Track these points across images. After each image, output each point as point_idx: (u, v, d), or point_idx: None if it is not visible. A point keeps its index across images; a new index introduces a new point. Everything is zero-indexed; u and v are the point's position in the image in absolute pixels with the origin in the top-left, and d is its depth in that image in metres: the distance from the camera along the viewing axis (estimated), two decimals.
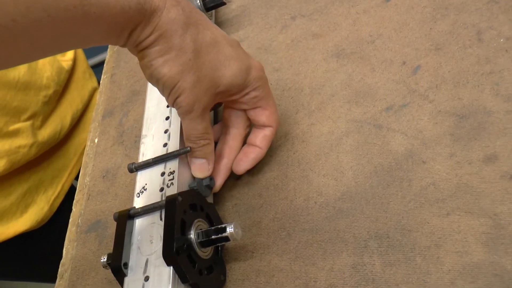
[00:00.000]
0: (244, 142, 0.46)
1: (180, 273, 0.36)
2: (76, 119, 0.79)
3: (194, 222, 0.40)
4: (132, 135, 0.58)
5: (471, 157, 0.39)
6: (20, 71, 0.69)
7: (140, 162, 0.44)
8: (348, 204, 0.41)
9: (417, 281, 0.35)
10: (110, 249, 0.50)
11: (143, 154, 0.45)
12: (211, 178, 0.44)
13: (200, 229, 0.40)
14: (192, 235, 0.39)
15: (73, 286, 0.50)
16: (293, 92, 0.51)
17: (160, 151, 0.44)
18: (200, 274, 0.38)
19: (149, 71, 0.38)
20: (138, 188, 0.43)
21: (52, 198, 0.77)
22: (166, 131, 0.45)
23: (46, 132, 0.73)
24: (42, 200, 0.76)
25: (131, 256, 0.39)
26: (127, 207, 0.52)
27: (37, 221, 0.74)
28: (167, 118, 0.46)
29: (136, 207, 0.42)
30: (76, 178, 0.81)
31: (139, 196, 0.43)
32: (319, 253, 0.40)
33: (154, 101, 0.48)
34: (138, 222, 0.41)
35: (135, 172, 0.45)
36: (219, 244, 0.41)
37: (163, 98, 0.47)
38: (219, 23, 0.61)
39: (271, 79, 0.53)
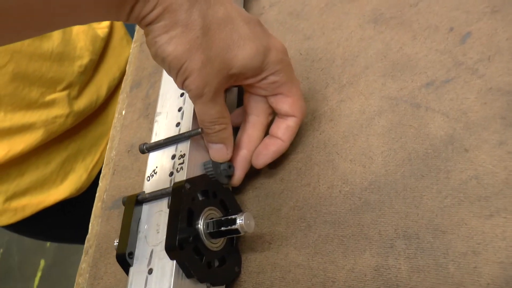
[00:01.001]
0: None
1: (184, 268, 0.34)
2: (113, 87, 0.78)
3: (204, 210, 0.36)
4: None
5: None
6: (54, 42, 0.68)
7: (152, 143, 0.41)
8: (376, 196, 0.36)
9: None
10: None
11: (156, 134, 0.42)
12: (230, 165, 0.40)
13: (211, 219, 0.36)
14: (201, 225, 0.35)
15: (96, 263, 0.50)
16: (323, 63, 0.45)
17: (173, 131, 0.41)
18: (209, 267, 0.35)
19: (153, 48, 0.34)
20: (148, 171, 0.40)
21: (91, 166, 0.77)
22: (179, 109, 0.41)
23: (82, 102, 0.72)
24: (81, 168, 0.76)
25: (137, 245, 0.37)
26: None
27: (76, 189, 0.75)
28: (182, 95, 0.42)
29: (146, 192, 0.39)
30: None
31: (149, 180, 0.40)
32: (340, 250, 0.35)
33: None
34: (146, 209, 0.38)
35: (147, 153, 0.42)
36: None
37: None
38: None
39: (301, 48, 0.47)
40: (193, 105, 0.40)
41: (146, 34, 0.34)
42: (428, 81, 0.39)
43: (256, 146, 0.41)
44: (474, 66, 0.37)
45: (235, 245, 0.39)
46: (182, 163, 0.38)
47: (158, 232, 0.36)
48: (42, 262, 1.85)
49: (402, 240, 0.33)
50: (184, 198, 0.35)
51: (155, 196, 0.37)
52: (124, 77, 0.62)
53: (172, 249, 0.33)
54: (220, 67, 0.35)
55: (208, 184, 0.38)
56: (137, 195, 0.38)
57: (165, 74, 0.45)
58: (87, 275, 0.50)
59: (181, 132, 0.40)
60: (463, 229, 0.31)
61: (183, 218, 0.34)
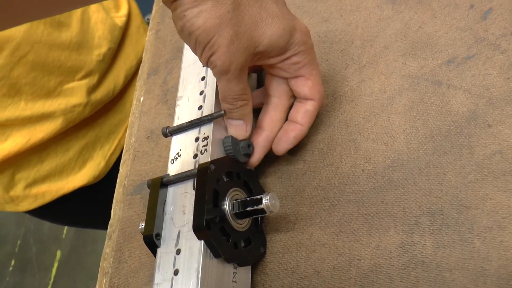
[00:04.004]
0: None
1: (212, 248, 0.34)
2: (131, 75, 0.78)
3: (229, 191, 0.37)
4: (176, 94, 0.56)
5: None
6: (72, 32, 0.68)
7: (174, 127, 0.42)
8: (399, 174, 0.37)
9: (474, 268, 0.30)
10: None
11: (178, 118, 0.43)
12: (249, 144, 0.41)
13: (236, 199, 0.37)
14: (226, 206, 0.36)
15: (120, 248, 0.51)
16: (342, 45, 0.46)
17: (195, 114, 0.41)
18: (236, 248, 0.36)
19: (181, 22, 0.34)
20: (172, 154, 0.41)
21: (109, 153, 0.78)
22: (201, 93, 0.42)
23: (100, 90, 0.73)
24: (99, 155, 0.77)
25: (164, 227, 0.38)
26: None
27: (94, 176, 0.76)
28: (203, 79, 0.43)
29: (170, 175, 0.40)
30: None
31: (173, 163, 0.41)
32: (364, 228, 0.36)
33: (191, 60, 0.45)
34: (171, 191, 0.39)
35: (170, 137, 0.42)
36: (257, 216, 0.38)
37: None
38: None
39: (320, 31, 0.48)
40: (215, 88, 0.41)
41: (174, 9, 0.34)
42: (449, 59, 0.39)
43: (278, 128, 0.41)
44: (496, 41, 0.37)
45: (259, 226, 0.40)
46: (206, 145, 0.39)
47: (184, 214, 0.37)
48: (59, 253, 1.88)
49: (426, 217, 0.34)
50: (209, 179, 0.35)
51: (180, 178, 0.38)
52: (141, 65, 0.63)
53: (200, 229, 0.34)
54: (247, 43, 0.35)
55: (232, 165, 0.38)
56: (161, 178, 0.39)
57: (184, 60, 0.46)
58: (111, 259, 0.51)
59: (203, 115, 0.40)
60: (488, 204, 0.32)
61: (209, 199, 0.35)
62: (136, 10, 0.83)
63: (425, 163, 0.36)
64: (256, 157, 0.41)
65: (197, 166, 0.38)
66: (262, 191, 0.41)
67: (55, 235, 1.92)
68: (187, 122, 0.41)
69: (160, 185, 0.39)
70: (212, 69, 0.36)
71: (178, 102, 0.43)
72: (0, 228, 2.12)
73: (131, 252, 0.50)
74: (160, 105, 0.57)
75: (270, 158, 0.44)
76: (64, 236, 1.91)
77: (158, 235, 0.37)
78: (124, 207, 0.53)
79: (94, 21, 0.73)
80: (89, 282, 1.73)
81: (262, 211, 0.35)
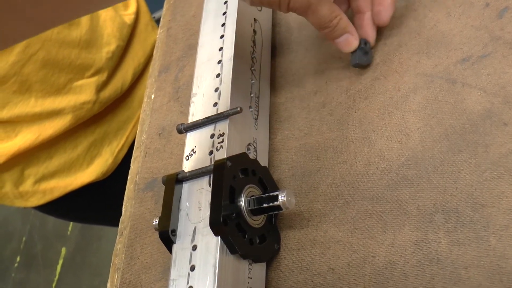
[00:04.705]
0: None
1: (228, 244, 0.35)
2: (139, 72, 0.79)
3: (244, 188, 0.38)
4: (188, 91, 0.56)
5: None
6: (81, 30, 0.69)
7: (189, 123, 0.42)
8: (413, 171, 0.37)
9: (490, 266, 0.31)
10: None
11: (193, 114, 0.43)
12: (365, 41, 0.43)
13: (251, 196, 0.37)
14: (242, 202, 0.37)
15: (132, 244, 0.51)
16: None
17: (210, 111, 0.42)
18: (251, 244, 0.37)
19: None
20: (187, 151, 0.42)
21: (116, 150, 0.78)
22: (216, 90, 0.43)
23: (109, 88, 0.74)
24: (107, 152, 0.77)
25: (179, 223, 0.38)
26: (182, 167, 0.52)
27: (102, 173, 0.76)
28: (218, 76, 0.43)
29: (185, 171, 0.40)
30: None
31: (188, 159, 0.41)
32: (379, 226, 0.36)
33: (205, 57, 0.46)
34: (187, 187, 0.40)
35: (185, 133, 0.43)
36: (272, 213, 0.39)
37: (214, 54, 0.45)
38: None
39: None
40: (230, 85, 0.42)
41: None
42: (464, 57, 0.39)
43: (371, 5, 0.43)
44: None
45: (274, 223, 0.40)
46: (222, 141, 0.39)
47: (200, 210, 0.37)
48: (64, 250, 1.89)
49: (441, 214, 0.34)
50: (226, 176, 0.36)
51: (196, 174, 0.39)
52: (152, 62, 0.64)
53: (217, 225, 0.34)
54: None
55: (248, 162, 0.39)
56: (177, 174, 0.40)
57: (198, 57, 0.46)
58: (123, 255, 0.52)
59: (219, 111, 0.41)
60: (504, 202, 0.32)
61: (226, 195, 0.36)
62: (144, 8, 0.84)
63: (440, 161, 0.36)
64: (371, 38, 0.43)
65: (212, 163, 0.38)
66: (276, 188, 0.41)
67: (60, 232, 1.93)
68: (202, 119, 0.41)
69: (175, 181, 0.39)
70: (295, 11, 0.39)
71: (193, 99, 0.44)
72: (5, 225, 2.13)
73: (143, 248, 0.50)
74: (172, 103, 0.57)
75: (284, 155, 0.44)
76: (69, 233, 1.92)
77: (174, 231, 0.38)
78: (136, 204, 0.54)
79: (103, 19, 0.74)
80: (94, 279, 1.74)
81: (278, 207, 0.36)
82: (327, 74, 0.46)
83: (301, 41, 0.50)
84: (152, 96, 0.60)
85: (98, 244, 1.79)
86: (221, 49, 0.45)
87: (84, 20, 0.70)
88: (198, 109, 0.43)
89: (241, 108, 0.39)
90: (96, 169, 0.76)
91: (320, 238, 0.39)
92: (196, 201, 0.38)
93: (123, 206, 0.56)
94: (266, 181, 0.40)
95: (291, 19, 0.52)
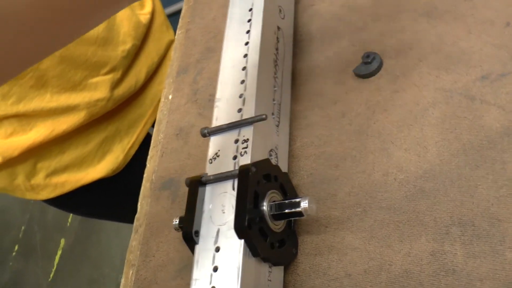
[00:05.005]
0: None
1: (252, 247, 0.36)
2: (152, 71, 0.80)
3: (267, 193, 0.39)
4: (206, 94, 0.57)
5: None
6: (99, 28, 0.70)
7: (213, 127, 0.44)
8: (431, 184, 0.39)
9: (506, 279, 0.32)
10: (183, 209, 0.51)
11: (216, 119, 0.45)
12: (368, 54, 0.45)
13: (273, 201, 0.39)
14: (265, 207, 0.38)
15: (147, 242, 0.52)
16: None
17: (234, 117, 0.43)
18: (272, 248, 0.38)
19: None
20: (210, 154, 0.43)
21: (127, 147, 0.80)
22: (240, 96, 0.44)
23: (123, 86, 0.75)
24: (118, 149, 0.79)
25: (202, 224, 0.40)
26: (200, 168, 0.53)
27: (113, 169, 0.78)
28: (242, 82, 0.45)
29: (208, 174, 0.42)
30: (153, 126, 0.83)
31: (211, 163, 0.42)
32: (395, 235, 0.38)
33: (229, 63, 0.47)
34: (210, 190, 0.41)
35: (208, 137, 0.44)
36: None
37: (239, 60, 0.46)
38: None
39: (354, 39, 0.50)
40: (255, 91, 0.43)
41: None
42: (483, 74, 0.41)
43: None
44: None
45: (292, 228, 0.42)
46: (246, 147, 0.41)
47: (223, 213, 0.39)
48: (63, 241, 1.91)
49: (457, 227, 0.36)
50: (251, 181, 0.37)
51: (220, 178, 0.40)
52: (170, 63, 0.65)
53: (241, 228, 0.36)
54: None
55: (270, 168, 0.40)
56: (201, 176, 0.41)
57: (222, 62, 0.48)
58: (138, 252, 0.53)
59: (243, 117, 0.42)
60: None
61: (250, 200, 0.37)
62: (159, 8, 0.85)
63: (457, 175, 0.38)
64: None
65: (236, 168, 0.40)
66: (295, 194, 0.43)
67: (59, 223, 1.94)
68: (227, 124, 0.43)
69: (199, 183, 0.41)
70: None
71: (217, 104, 0.45)
72: (5, 214, 2.14)
73: (158, 246, 0.51)
74: (190, 104, 0.59)
75: (303, 162, 0.46)
76: (68, 224, 1.93)
77: (197, 232, 0.39)
78: (152, 202, 0.55)
79: (120, 18, 0.75)
80: (92, 272, 1.76)
81: (300, 213, 0.37)
82: (347, 85, 0.47)
83: (322, 50, 0.51)
84: (170, 97, 0.61)
85: (98, 237, 1.81)
86: (245, 55, 0.46)
87: None
88: (222, 114, 0.44)
89: (266, 116, 0.40)
90: (107, 165, 0.77)
91: (337, 244, 0.40)
92: (220, 204, 0.40)
93: (139, 204, 0.57)
94: (286, 187, 0.42)
95: (313, 27, 0.53)
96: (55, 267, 1.84)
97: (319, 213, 0.42)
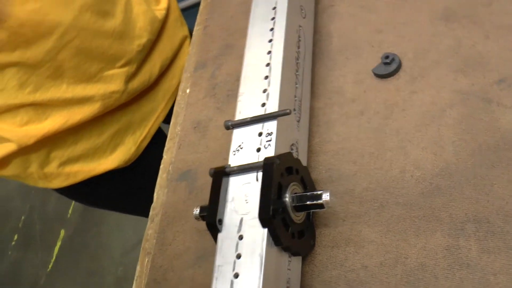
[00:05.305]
0: None
1: (274, 236, 0.38)
2: (165, 66, 0.82)
3: (289, 185, 0.41)
4: (225, 89, 0.59)
5: None
6: (116, 21, 0.71)
7: (237, 120, 0.45)
8: (447, 182, 0.40)
9: None
10: (200, 200, 0.54)
11: (240, 112, 0.46)
12: (387, 55, 0.47)
13: (295, 193, 0.41)
14: (287, 198, 0.40)
15: (163, 231, 0.54)
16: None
17: (258, 111, 0.45)
18: (292, 238, 0.40)
19: None
20: (234, 146, 0.44)
21: (139, 140, 0.81)
22: (264, 91, 0.46)
23: (137, 79, 0.76)
24: (130, 141, 0.80)
25: (225, 213, 0.41)
26: (218, 160, 0.55)
27: (125, 160, 0.79)
28: (266, 78, 0.46)
29: (232, 165, 0.43)
30: (164, 121, 0.85)
31: (235, 154, 0.44)
32: (411, 230, 0.40)
33: (253, 59, 0.48)
34: (233, 180, 0.43)
35: (231, 130, 0.46)
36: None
37: (262, 56, 0.48)
38: None
39: (373, 41, 0.51)
40: (279, 87, 0.45)
41: None
42: (501, 78, 0.42)
43: None
44: None
45: (311, 220, 0.43)
46: (270, 140, 0.42)
47: (247, 202, 0.40)
48: (62, 232, 1.92)
49: (472, 224, 0.38)
50: (276, 172, 0.39)
51: (244, 169, 0.42)
52: (187, 57, 0.66)
53: (266, 218, 0.38)
54: None
55: (292, 161, 0.42)
56: (224, 167, 0.43)
57: (246, 59, 0.49)
58: (154, 240, 0.54)
59: (267, 112, 0.44)
60: None
61: (275, 191, 0.39)
62: (174, 4, 0.86)
63: (473, 174, 0.40)
64: None
65: (260, 160, 0.41)
66: (314, 188, 0.45)
67: (60, 214, 1.95)
68: (251, 117, 0.44)
69: (223, 174, 0.42)
70: None
71: (240, 98, 0.47)
72: (5, 202, 2.15)
73: (175, 235, 0.53)
74: (208, 98, 0.60)
75: (322, 158, 0.47)
76: (69, 216, 1.94)
77: (220, 221, 0.41)
78: (169, 193, 0.57)
79: (136, 12, 0.76)
80: (91, 263, 1.77)
81: (321, 206, 0.39)
82: (366, 84, 0.49)
83: (340, 49, 0.53)
84: (188, 91, 0.63)
85: (98, 229, 1.82)
86: (269, 52, 0.48)
87: (119, 12, 0.73)
88: (245, 108, 0.46)
89: (290, 111, 0.42)
90: (119, 156, 0.78)
91: (354, 237, 0.42)
92: (243, 194, 0.41)
93: (155, 194, 0.58)
94: (306, 180, 0.43)
95: (332, 27, 0.55)
96: (54, 258, 1.85)
97: (337, 206, 0.44)
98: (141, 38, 0.76)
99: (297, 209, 0.40)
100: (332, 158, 0.47)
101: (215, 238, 0.41)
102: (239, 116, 0.46)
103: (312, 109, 0.51)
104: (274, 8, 0.51)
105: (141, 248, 0.56)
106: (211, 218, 0.41)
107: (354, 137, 0.47)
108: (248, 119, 0.44)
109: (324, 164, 0.47)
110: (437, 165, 0.42)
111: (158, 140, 0.87)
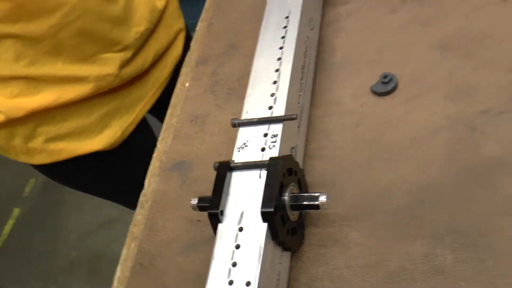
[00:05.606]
0: None
1: (273, 230, 0.43)
2: (158, 56, 0.85)
3: (289, 185, 0.45)
4: (225, 87, 0.63)
5: None
6: (118, 7, 0.75)
7: (244, 120, 0.50)
8: (431, 196, 0.46)
9: (486, 282, 0.40)
10: (193, 191, 0.58)
11: (246, 112, 0.51)
12: (386, 75, 0.53)
13: (293, 193, 0.45)
14: (286, 197, 0.44)
15: (153, 218, 0.58)
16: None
17: (265, 113, 0.49)
18: (287, 234, 0.45)
19: None
20: (239, 143, 0.49)
21: (125, 125, 0.84)
22: (272, 95, 0.50)
23: (131, 65, 0.79)
24: (117, 125, 0.83)
25: (227, 206, 0.45)
26: (214, 155, 0.59)
27: (110, 143, 0.82)
28: (275, 82, 0.51)
29: (235, 161, 0.47)
30: (151, 112, 0.88)
31: (239, 151, 0.48)
32: (395, 236, 0.45)
33: (263, 63, 0.53)
34: (236, 175, 0.47)
35: (237, 128, 0.50)
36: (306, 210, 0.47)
37: (272, 61, 0.53)
38: None
39: (373, 59, 0.57)
40: (287, 92, 0.49)
41: None
42: (485, 109, 0.49)
43: None
44: None
45: (302, 219, 0.48)
46: (275, 141, 0.47)
47: (248, 197, 0.45)
48: (16, 211, 1.90)
49: (450, 235, 0.43)
50: (279, 172, 0.44)
51: (248, 165, 0.46)
52: (189, 52, 0.70)
53: (268, 213, 0.42)
54: None
55: (293, 163, 0.47)
56: (229, 162, 0.47)
57: (255, 63, 0.54)
58: (143, 226, 0.58)
59: (273, 115, 0.49)
60: (504, 235, 0.42)
61: (277, 188, 0.43)
62: None
63: (455, 192, 0.46)
64: None
65: (264, 158, 0.46)
66: (307, 190, 0.50)
67: (15, 192, 1.93)
68: (258, 118, 0.49)
69: (227, 168, 0.47)
70: None
71: (248, 99, 0.51)
72: None
73: (164, 223, 0.57)
74: (207, 94, 0.64)
75: (316, 164, 0.52)
76: (26, 194, 1.93)
77: (222, 212, 0.45)
78: (160, 181, 0.60)
79: (138, 1, 0.80)
80: (45, 245, 1.76)
81: (317, 206, 0.44)
82: (363, 99, 0.55)
83: (342, 64, 0.58)
84: (187, 84, 0.67)
85: (56, 210, 1.81)
86: (279, 59, 0.52)
87: None
88: (252, 108, 0.50)
89: (296, 116, 0.47)
90: (105, 139, 0.81)
91: (341, 239, 0.47)
92: (245, 188, 0.46)
93: (146, 181, 0.62)
94: (301, 183, 0.48)
95: (336, 42, 0.60)
96: (6, 237, 1.83)
97: (327, 209, 0.49)
98: (140, 26, 0.79)
99: (294, 208, 0.45)
100: (327, 164, 0.52)
101: (214, 228, 0.45)
102: (246, 115, 0.50)
103: (311, 116, 0.56)
104: (287, 17, 0.55)
105: (128, 233, 0.59)
106: (214, 208, 0.45)
107: (348, 146, 0.52)
108: (256, 120, 0.49)
109: (318, 168, 0.52)
110: (423, 180, 0.47)
111: (143, 128, 0.90)
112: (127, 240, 0.58)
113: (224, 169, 0.47)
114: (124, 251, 0.58)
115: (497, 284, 0.40)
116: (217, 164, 0.48)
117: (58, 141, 0.78)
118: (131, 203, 0.99)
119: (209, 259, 0.45)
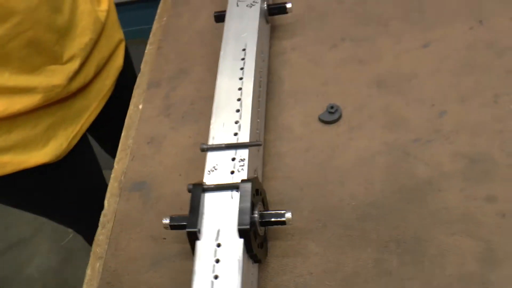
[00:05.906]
0: None
1: (248, 245, 0.50)
2: (101, 66, 0.88)
3: (257, 204, 0.53)
4: (180, 111, 0.70)
5: (476, 195, 0.55)
6: (64, 17, 0.77)
7: (212, 145, 0.56)
8: (375, 211, 0.56)
9: (425, 278, 0.50)
10: (156, 210, 0.63)
11: (213, 138, 0.57)
12: (332, 106, 0.63)
13: (261, 211, 0.53)
14: (256, 215, 0.52)
15: (116, 237, 0.62)
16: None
17: (231, 139, 0.57)
18: (258, 247, 0.52)
19: None
20: (209, 167, 0.55)
21: (71, 136, 0.86)
22: (236, 122, 0.58)
23: (77, 77, 0.82)
24: (62, 136, 0.84)
25: (203, 224, 0.52)
26: (173, 176, 0.65)
27: (56, 156, 0.83)
28: (238, 111, 0.58)
29: (207, 183, 0.54)
30: (88, 130, 0.91)
31: (209, 174, 0.55)
32: (349, 246, 0.55)
33: (224, 92, 0.60)
34: (209, 196, 0.53)
35: (205, 152, 0.57)
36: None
37: (233, 92, 0.60)
38: (275, 26, 0.73)
39: (318, 91, 0.66)
40: (250, 120, 0.57)
41: None
42: (416, 138, 0.60)
43: None
44: (447, 134, 0.60)
45: (266, 234, 0.56)
46: (243, 165, 0.54)
47: (222, 216, 0.52)
48: None
49: (394, 243, 0.54)
50: (251, 192, 0.51)
51: (221, 187, 0.53)
52: (139, 74, 0.75)
53: (244, 229, 0.49)
54: None
55: (258, 184, 0.55)
56: (201, 184, 0.53)
57: (217, 92, 0.61)
58: (106, 246, 0.62)
59: (239, 141, 0.56)
60: (436, 240, 0.53)
61: (250, 207, 0.51)
62: (113, 7, 0.94)
63: (395, 207, 0.56)
64: None
65: (234, 181, 0.53)
66: (268, 207, 0.58)
67: None
68: (226, 144, 0.56)
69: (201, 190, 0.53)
70: None
71: (213, 126, 0.58)
72: None
73: (129, 242, 0.61)
74: (162, 117, 0.70)
75: (273, 184, 0.61)
76: None
77: (199, 230, 0.52)
78: (121, 201, 0.65)
79: (81, 10, 0.83)
80: None
81: (283, 222, 0.52)
82: (312, 126, 0.64)
83: (290, 94, 0.67)
84: (140, 106, 0.72)
85: None
86: (240, 89, 0.60)
87: (67, 9, 0.79)
88: (218, 135, 0.57)
89: (261, 143, 0.55)
90: (51, 150, 0.82)
91: (301, 250, 0.56)
92: (219, 208, 0.52)
93: (106, 201, 0.66)
94: (264, 201, 0.56)
95: (284, 73, 0.69)
96: None
97: (288, 224, 0.57)
98: (84, 37, 0.83)
99: (262, 224, 0.53)
100: (282, 184, 0.61)
101: (192, 245, 0.51)
102: (213, 141, 0.57)
103: (264, 141, 0.64)
104: (244, 49, 0.63)
105: (91, 253, 0.63)
106: (192, 227, 0.51)
107: (300, 168, 0.61)
108: (223, 145, 0.56)
109: (275, 188, 0.60)
110: (368, 197, 0.57)
111: (85, 142, 0.93)
112: (91, 260, 0.62)
113: (199, 189, 0.53)
114: (88, 271, 0.61)
115: (433, 280, 0.51)
116: (191, 186, 0.54)
117: (3, 154, 0.77)
118: (68, 219, 1.00)
119: (180, 273, 0.51)
